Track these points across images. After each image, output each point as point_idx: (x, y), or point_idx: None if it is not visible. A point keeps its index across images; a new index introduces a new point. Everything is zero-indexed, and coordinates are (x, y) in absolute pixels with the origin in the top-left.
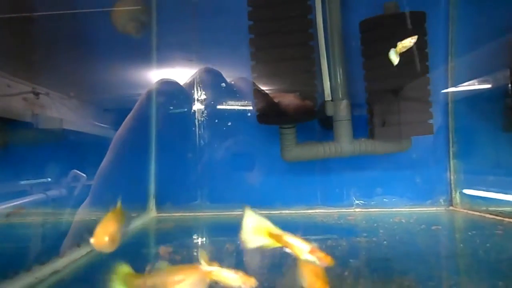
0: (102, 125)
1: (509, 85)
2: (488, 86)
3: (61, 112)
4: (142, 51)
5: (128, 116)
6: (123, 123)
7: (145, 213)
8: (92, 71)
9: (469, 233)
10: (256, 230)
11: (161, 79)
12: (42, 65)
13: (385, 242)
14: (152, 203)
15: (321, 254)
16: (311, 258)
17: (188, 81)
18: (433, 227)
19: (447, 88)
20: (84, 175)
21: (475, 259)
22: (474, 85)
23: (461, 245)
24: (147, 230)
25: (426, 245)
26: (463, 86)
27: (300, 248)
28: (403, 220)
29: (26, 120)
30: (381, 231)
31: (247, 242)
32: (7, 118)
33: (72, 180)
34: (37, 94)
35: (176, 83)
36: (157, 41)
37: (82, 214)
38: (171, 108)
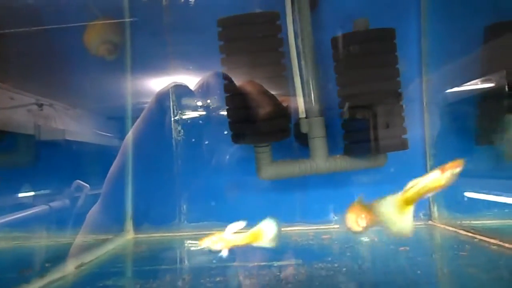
0: None
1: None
2: (462, 99)
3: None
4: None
5: None
6: None
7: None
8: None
9: (433, 255)
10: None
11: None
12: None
13: (344, 269)
14: (129, 223)
15: (450, 165)
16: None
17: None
18: (401, 249)
19: (422, 102)
20: (87, 185)
21: None
22: (448, 98)
23: (419, 271)
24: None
25: (385, 273)
26: (438, 99)
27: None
28: (376, 239)
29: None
30: (348, 254)
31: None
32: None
33: (75, 191)
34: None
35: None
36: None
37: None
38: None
